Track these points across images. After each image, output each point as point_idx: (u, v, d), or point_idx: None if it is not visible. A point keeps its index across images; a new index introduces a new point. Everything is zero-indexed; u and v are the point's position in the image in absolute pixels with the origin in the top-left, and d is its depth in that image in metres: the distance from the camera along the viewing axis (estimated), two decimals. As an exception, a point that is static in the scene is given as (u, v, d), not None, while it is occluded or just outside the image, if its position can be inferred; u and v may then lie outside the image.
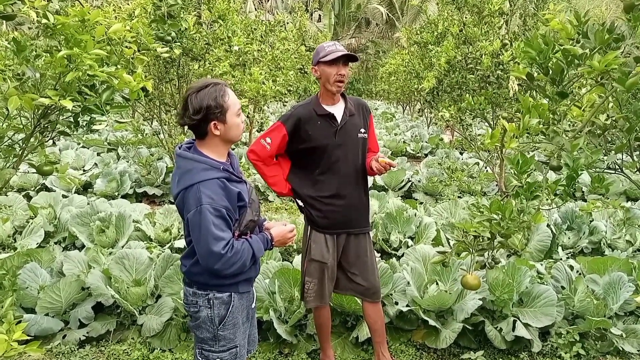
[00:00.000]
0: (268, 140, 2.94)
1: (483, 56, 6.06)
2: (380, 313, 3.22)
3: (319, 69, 2.86)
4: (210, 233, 1.97)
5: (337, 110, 2.95)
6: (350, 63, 2.89)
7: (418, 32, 8.63)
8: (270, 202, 7.87)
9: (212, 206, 1.98)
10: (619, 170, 2.54)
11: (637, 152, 2.34)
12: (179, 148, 2.15)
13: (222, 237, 1.99)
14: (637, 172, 2.44)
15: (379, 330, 3.23)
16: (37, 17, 2.46)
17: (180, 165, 2.09)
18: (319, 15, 33.28)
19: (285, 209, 7.57)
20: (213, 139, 2.09)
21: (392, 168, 2.86)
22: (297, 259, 4.30)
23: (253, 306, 2.39)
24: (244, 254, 2.07)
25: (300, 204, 3.04)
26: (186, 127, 2.15)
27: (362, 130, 3.00)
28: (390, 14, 31.74)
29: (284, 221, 2.42)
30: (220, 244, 1.98)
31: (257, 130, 11.87)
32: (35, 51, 2.59)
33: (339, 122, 2.93)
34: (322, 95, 2.95)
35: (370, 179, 3.31)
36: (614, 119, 2.13)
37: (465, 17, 6.82)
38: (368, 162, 2.98)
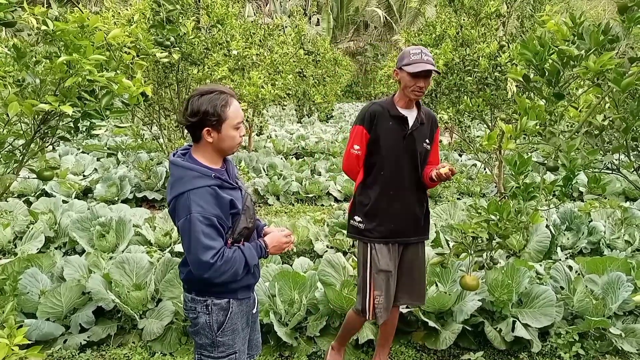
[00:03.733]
0: (356, 147, 2.96)
1: (480, 58, 6.09)
2: (396, 317, 3.24)
3: (400, 73, 2.86)
4: (200, 242, 1.95)
5: (410, 115, 2.94)
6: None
7: (416, 34, 8.66)
8: (270, 205, 7.89)
9: (202, 215, 1.96)
10: (617, 170, 2.56)
11: (634, 152, 2.35)
12: (173, 155, 2.13)
13: (212, 246, 1.97)
14: (635, 172, 2.46)
15: (387, 333, 3.25)
16: (37, 23, 2.48)
17: (173, 173, 2.07)
18: (317, 18, 33.34)
19: (285, 212, 7.58)
20: (207, 145, 2.07)
21: (452, 175, 2.80)
22: (298, 262, 4.31)
23: (254, 311, 2.37)
24: (235, 263, 2.04)
25: (358, 220, 2.99)
26: (185, 132, 2.16)
27: (427, 141, 2.99)
28: (388, 17, 31.81)
29: (282, 227, 2.41)
30: (209, 253, 1.96)
31: (256, 134, 11.92)
32: (35, 57, 2.61)
33: (410, 126, 2.92)
34: (398, 97, 2.95)
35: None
36: (610, 119, 2.14)
37: (463, 20, 6.85)
38: (427, 172, 2.94)
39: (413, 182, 2.98)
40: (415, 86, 2.82)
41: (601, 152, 2.25)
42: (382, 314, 2.97)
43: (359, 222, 2.99)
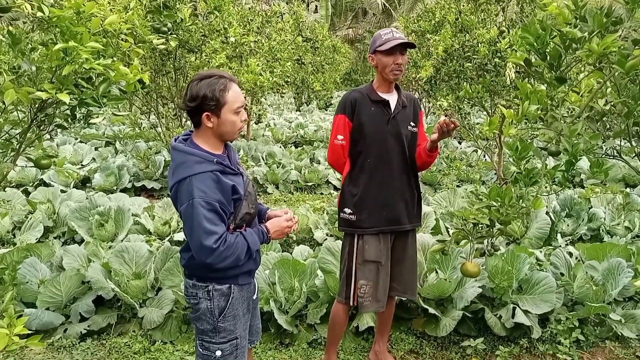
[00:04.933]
0: (340, 137, 2.92)
1: (480, 44, 6.05)
2: (393, 304, 3.22)
3: (375, 57, 2.82)
4: (202, 227, 1.95)
5: (392, 99, 2.91)
6: (407, 49, 2.83)
7: (415, 21, 8.60)
8: (269, 194, 7.88)
9: (204, 200, 1.96)
10: (618, 155, 2.54)
11: (636, 138, 2.34)
12: (175, 140, 2.12)
13: (214, 231, 1.97)
14: (636, 158, 2.44)
15: (385, 321, 3.24)
16: (32, 10, 2.45)
17: (175, 158, 2.07)
18: (316, 5, 33.11)
19: (285, 201, 7.58)
20: (207, 130, 2.07)
21: (454, 127, 2.69)
22: (297, 250, 4.31)
23: (255, 297, 2.38)
24: (237, 248, 2.04)
25: (349, 212, 2.95)
26: (184, 120, 2.13)
27: (412, 123, 2.96)
28: (387, 4, 31.61)
29: (285, 209, 2.39)
30: (212, 237, 1.96)
31: (255, 122, 11.88)
32: (31, 44, 2.58)
33: (392, 110, 2.89)
34: (377, 82, 2.92)
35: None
36: (612, 104, 2.12)
37: (462, 6, 6.79)
38: (423, 147, 2.92)
39: (401, 166, 2.93)
40: (393, 64, 2.79)
41: (603, 137, 2.23)
42: (369, 305, 2.91)
43: (350, 213, 2.94)
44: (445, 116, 12.34)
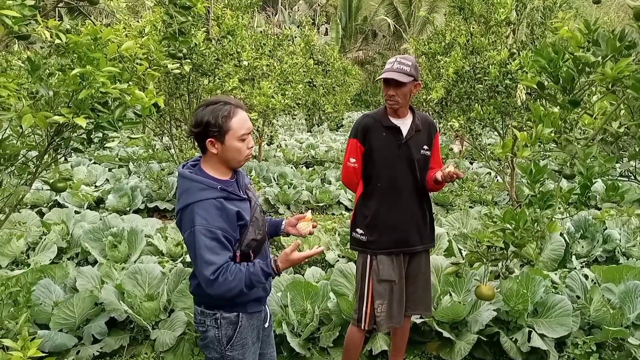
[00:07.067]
0: (352, 160, 2.96)
1: (491, 66, 6.07)
2: (407, 327, 3.21)
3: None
4: (201, 257, 1.92)
5: (404, 124, 2.93)
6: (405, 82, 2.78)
7: (425, 42, 8.65)
8: (280, 214, 7.88)
9: (206, 227, 1.93)
10: (633, 177, 2.52)
11: (651, 159, 2.32)
12: (183, 167, 2.11)
13: (213, 262, 1.92)
14: (651, 179, 2.42)
15: (398, 344, 3.22)
16: (51, 37, 2.50)
17: (180, 185, 2.06)
18: (326, 28, 33.48)
19: (296, 222, 7.56)
20: (212, 157, 2.06)
21: (457, 178, 2.77)
22: (309, 272, 4.29)
23: (267, 325, 2.32)
24: (235, 282, 1.96)
25: (360, 232, 2.98)
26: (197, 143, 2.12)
27: (425, 147, 2.98)
28: (397, 26, 31.87)
29: (304, 218, 2.30)
30: (210, 268, 1.92)
31: (267, 144, 11.93)
32: (48, 70, 2.63)
33: (404, 135, 2.91)
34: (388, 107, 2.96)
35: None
36: (626, 126, 2.11)
37: (473, 28, 6.84)
38: (431, 175, 2.94)
39: (412, 191, 2.95)
40: (386, 94, 2.82)
41: (617, 159, 2.22)
42: (385, 323, 2.92)
43: (361, 234, 2.97)
44: (456, 137, 12.23)
